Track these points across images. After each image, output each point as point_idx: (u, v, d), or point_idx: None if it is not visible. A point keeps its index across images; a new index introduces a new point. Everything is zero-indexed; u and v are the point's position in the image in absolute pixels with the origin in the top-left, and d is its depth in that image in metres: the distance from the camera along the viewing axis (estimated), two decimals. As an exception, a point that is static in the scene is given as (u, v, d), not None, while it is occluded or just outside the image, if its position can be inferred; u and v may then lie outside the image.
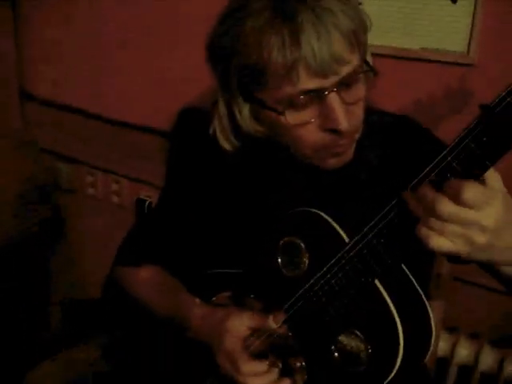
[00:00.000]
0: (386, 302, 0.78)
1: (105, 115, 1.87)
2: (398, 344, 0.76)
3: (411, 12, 1.34)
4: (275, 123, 0.85)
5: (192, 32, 1.27)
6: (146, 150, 1.78)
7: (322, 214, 0.87)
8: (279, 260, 0.92)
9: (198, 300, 1.02)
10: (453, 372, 1.43)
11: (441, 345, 1.41)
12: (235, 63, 0.83)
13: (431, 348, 0.81)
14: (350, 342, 0.82)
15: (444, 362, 1.43)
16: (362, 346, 0.80)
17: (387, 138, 0.97)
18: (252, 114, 0.89)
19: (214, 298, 1.02)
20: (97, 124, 1.89)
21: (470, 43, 1.28)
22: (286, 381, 0.91)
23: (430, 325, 0.81)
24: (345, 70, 0.80)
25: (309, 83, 0.79)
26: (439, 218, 0.66)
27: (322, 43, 0.76)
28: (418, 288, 0.81)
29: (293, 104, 0.82)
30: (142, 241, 1.15)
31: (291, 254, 0.91)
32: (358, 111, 0.86)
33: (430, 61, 1.34)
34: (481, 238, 0.66)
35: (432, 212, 0.66)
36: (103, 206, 1.98)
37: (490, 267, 0.85)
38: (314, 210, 0.88)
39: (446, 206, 0.65)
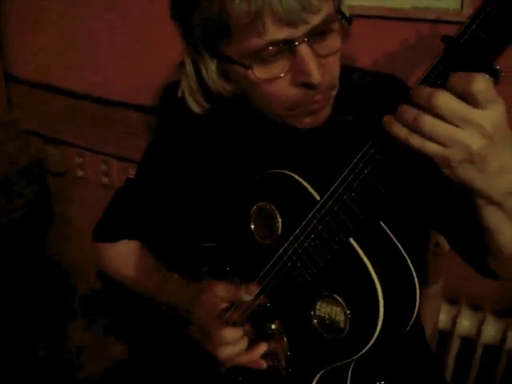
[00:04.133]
0: (362, 261, 0.72)
1: (91, 95, 1.84)
2: (378, 306, 0.70)
3: (400, -31, 1.28)
4: (243, 80, 0.80)
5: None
6: (133, 129, 1.75)
7: (293, 174, 0.81)
8: (252, 227, 0.87)
9: (176, 275, 0.99)
10: (455, 344, 1.39)
11: (442, 317, 1.37)
12: (198, 16, 0.77)
13: (416, 309, 0.75)
14: (329, 307, 0.77)
15: (446, 335, 1.40)
16: (341, 311, 0.75)
17: (367, 97, 0.91)
18: (219, 71, 0.83)
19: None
20: (83, 104, 1.87)
21: (463, -1, 1.22)
22: (261, 347, 0.87)
23: (413, 283, 0.75)
24: (315, 19, 0.73)
25: (276, 33, 0.73)
26: (436, 115, 0.59)
27: None
28: (400, 246, 0.75)
29: (261, 57, 0.76)
30: (118, 215, 1.11)
31: (264, 219, 0.85)
32: (333, 65, 0.80)
33: (421, 20, 1.27)
34: (477, 143, 0.59)
35: (427, 109, 0.59)
36: (93, 188, 1.96)
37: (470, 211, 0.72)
38: (284, 172, 0.82)
39: (447, 99, 0.58)
